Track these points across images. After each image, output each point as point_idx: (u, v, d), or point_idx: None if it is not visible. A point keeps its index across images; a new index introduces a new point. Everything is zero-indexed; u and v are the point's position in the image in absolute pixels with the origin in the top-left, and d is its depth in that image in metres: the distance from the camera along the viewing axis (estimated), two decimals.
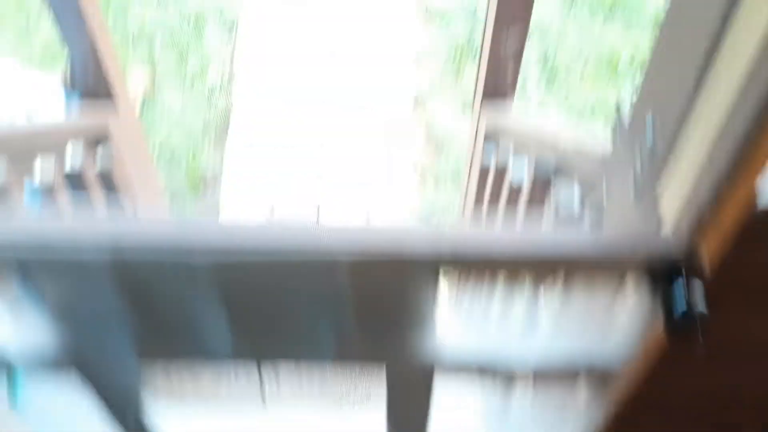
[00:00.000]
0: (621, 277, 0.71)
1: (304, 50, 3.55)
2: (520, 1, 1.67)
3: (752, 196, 0.60)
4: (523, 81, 3.38)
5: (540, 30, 3.62)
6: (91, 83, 1.66)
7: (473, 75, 1.96)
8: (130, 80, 3.20)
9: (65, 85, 1.73)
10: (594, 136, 1.09)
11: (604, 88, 3.34)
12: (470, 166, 2.11)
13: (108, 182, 1.72)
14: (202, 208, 2.90)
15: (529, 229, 0.72)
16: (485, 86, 1.84)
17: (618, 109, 0.85)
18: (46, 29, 3.38)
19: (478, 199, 1.97)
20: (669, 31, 0.67)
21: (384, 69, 3.48)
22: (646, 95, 0.73)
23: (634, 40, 3.54)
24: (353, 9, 3.77)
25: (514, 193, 1.48)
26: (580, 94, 3.35)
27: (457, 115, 3.25)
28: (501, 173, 1.67)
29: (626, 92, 3.32)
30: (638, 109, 0.75)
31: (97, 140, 1.71)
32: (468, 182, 2.16)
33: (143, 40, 3.55)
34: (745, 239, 0.62)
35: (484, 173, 1.87)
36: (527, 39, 3.29)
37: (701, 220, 0.63)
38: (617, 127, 0.83)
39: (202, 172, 3.02)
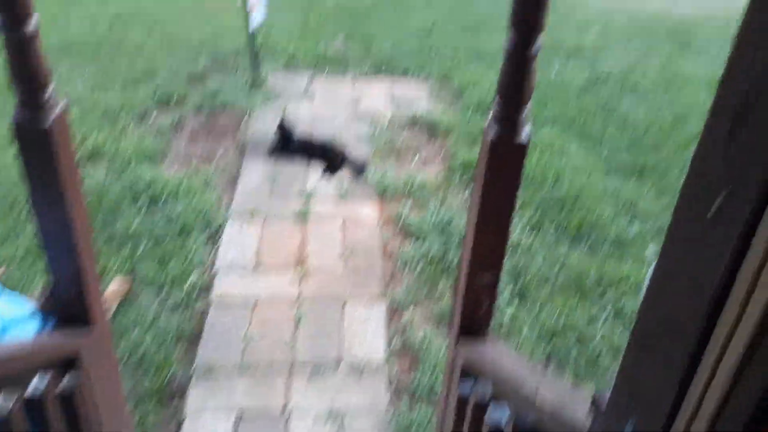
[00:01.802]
0: None
1: (276, 262, 3.67)
2: (493, 246, 1.79)
3: None
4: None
5: (511, 245, 3.82)
6: (69, 309, 1.68)
7: (450, 302, 2.03)
8: (110, 286, 3.24)
9: (41, 308, 1.75)
10: (575, 396, 1.10)
11: (573, 308, 3.43)
12: (447, 395, 2.10)
13: (71, 411, 1.67)
14: (166, 418, 2.78)
15: None
16: (461, 322, 1.90)
17: (595, 399, 0.87)
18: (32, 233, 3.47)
19: (457, 427, 1.93)
20: (645, 332, 0.70)
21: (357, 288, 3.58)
22: (625, 390, 0.75)
23: (599, 263, 3.73)
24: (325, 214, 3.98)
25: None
26: (551, 311, 3.43)
27: (432, 328, 3.29)
28: (479, 411, 1.65)
29: (605, 383, 3.42)
30: (618, 401, 0.76)
31: (65, 366, 1.69)
32: (445, 410, 2.13)
33: (128, 242, 3.66)
34: None
35: (461, 406, 1.85)
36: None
37: None
38: (595, 414, 0.85)
39: (171, 378, 2.94)
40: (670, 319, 0.64)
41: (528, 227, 4.01)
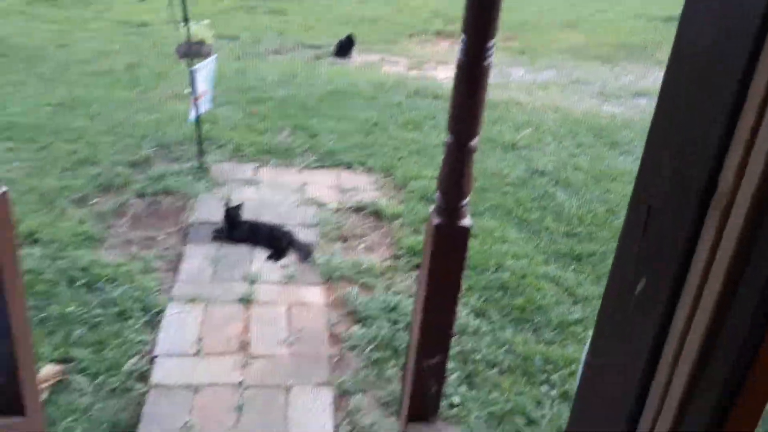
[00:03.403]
0: None
1: (218, 348, 3.56)
2: (440, 328, 1.83)
3: None
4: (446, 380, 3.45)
5: (458, 330, 3.83)
6: (4, 402, 1.58)
7: (398, 386, 2.02)
8: (41, 372, 3.05)
9: None
10: None
11: (520, 391, 3.43)
12: None
13: None
14: None
15: None
16: (410, 406, 1.90)
17: None
18: None
19: None
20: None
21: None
22: None
23: (543, 346, 3.78)
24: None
25: None
26: (499, 395, 3.42)
27: (381, 413, 3.21)
28: None
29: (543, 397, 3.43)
30: None
31: None
32: None
33: (62, 327, 3.48)
34: None
35: None
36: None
37: None
38: None
39: None
40: (604, 396, 0.67)
41: (473, 312, 4.05)
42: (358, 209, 5.15)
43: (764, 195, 0.47)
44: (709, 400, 0.50)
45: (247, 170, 5.59)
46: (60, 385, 3.10)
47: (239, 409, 3.14)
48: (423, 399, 1.87)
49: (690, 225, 0.52)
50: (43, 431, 1.90)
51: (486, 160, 6.31)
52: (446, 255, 1.71)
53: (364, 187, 5.55)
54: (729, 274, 0.50)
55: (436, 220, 1.64)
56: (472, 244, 4.79)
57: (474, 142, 1.50)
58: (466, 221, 1.64)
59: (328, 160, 5.96)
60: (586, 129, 7.58)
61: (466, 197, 1.60)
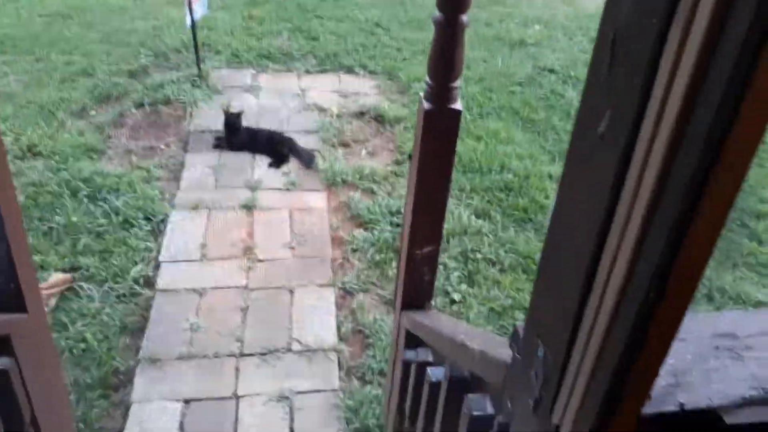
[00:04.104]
0: None
1: (222, 253, 3.61)
2: (430, 228, 1.82)
3: (635, 410, 0.65)
4: (446, 278, 3.51)
5: (460, 230, 3.85)
6: (6, 300, 1.61)
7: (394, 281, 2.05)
8: (49, 280, 3.13)
9: None
10: (500, 341, 1.12)
11: (520, 288, 3.48)
12: (394, 363, 2.12)
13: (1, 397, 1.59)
14: (112, 407, 2.69)
15: None
16: (403, 298, 1.93)
17: (515, 330, 0.90)
18: None
19: (402, 392, 1.95)
20: (548, 265, 0.74)
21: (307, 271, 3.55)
22: (535, 321, 0.78)
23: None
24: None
25: (434, 389, 1.47)
26: (499, 291, 3.47)
27: (383, 312, 3.28)
28: (422, 370, 1.67)
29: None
30: (530, 331, 0.79)
31: None
32: (392, 377, 2.15)
33: (68, 237, 3.54)
34: None
35: (406, 368, 1.88)
36: (448, 240, 3.47)
37: (592, 428, 0.65)
38: (515, 345, 0.88)
39: (116, 368, 2.85)
40: (570, 235, 0.68)
41: (475, 213, 4.05)
42: (360, 114, 5.06)
43: (721, 12, 0.45)
44: (668, 220, 0.52)
45: (246, 76, 5.48)
46: (69, 293, 3.18)
47: (244, 309, 3.23)
48: (416, 287, 1.90)
49: (652, 47, 0.51)
50: (47, 328, 1.96)
51: (492, 60, 6.12)
52: (437, 140, 1.68)
53: (366, 90, 5.44)
54: (687, 94, 0.49)
55: (426, 106, 1.60)
56: (477, 145, 4.73)
57: (464, 18, 1.43)
58: (457, 105, 1.60)
59: (328, 64, 5.81)
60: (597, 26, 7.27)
61: (456, 79, 1.56)
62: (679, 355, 0.84)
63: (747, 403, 0.77)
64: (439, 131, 1.65)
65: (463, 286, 3.48)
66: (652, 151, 0.53)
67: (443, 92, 1.56)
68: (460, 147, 4.65)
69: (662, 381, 0.80)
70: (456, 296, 3.41)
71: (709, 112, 0.48)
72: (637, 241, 0.56)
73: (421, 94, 1.63)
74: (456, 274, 3.55)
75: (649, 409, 0.75)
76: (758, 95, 0.47)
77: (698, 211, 0.52)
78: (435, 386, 1.42)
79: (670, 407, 0.75)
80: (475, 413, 1.03)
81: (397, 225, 3.89)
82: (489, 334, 1.31)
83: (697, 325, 0.89)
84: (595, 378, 0.65)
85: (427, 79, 1.58)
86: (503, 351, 1.05)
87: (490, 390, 1.12)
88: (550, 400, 0.71)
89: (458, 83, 1.59)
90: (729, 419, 0.75)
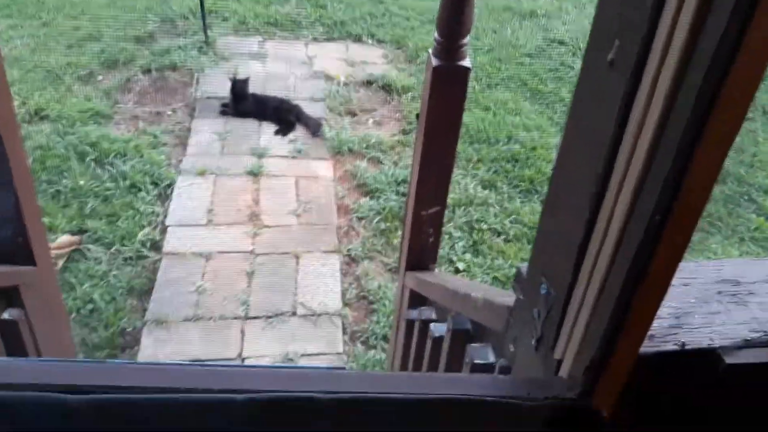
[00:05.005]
0: (522, 424, 0.71)
1: (228, 218, 3.62)
2: (436, 188, 1.82)
3: (635, 346, 0.65)
4: (451, 247, 3.52)
5: (465, 201, 3.85)
6: (8, 248, 1.62)
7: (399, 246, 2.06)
8: (58, 241, 3.15)
9: None
10: (503, 292, 1.13)
11: (525, 258, 3.49)
12: (397, 323, 2.14)
13: (9, 346, 1.62)
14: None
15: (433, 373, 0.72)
16: (408, 259, 1.94)
17: (518, 270, 0.90)
18: None
19: (406, 350, 1.97)
20: (553, 200, 0.74)
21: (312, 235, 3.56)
22: (539, 259, 0.79)
23: None
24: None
25: (437, 345, 1.48)
26: (503, 261, 3.48)
27: (387, 278, 3.30)
28: (425, 327, 1.69)
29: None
30: (533, 269, 0.80)
31: (5, 302, 1.64)
32: (396, 338, 2.17)
33: (75, 200, 3.56)
34: (632, 381, 0.65)
35: (409, 327, 1.89)
36: (454, 210, 3.47)
37: (593, 367, 0.66)
38: (518, 286, 0.88)
39: (123, 329, 2.89)
40: (576, 167, 0.68)
41: (482, 183, 4.05)
42: (368, 83, 5.03)
43: None
44: (673, 148, 0.53)
45: (252, 43, 5.44)
46: (77, 254, 3.21)
47: (250, 274, 3.25)
48: (421, 249, 1.91)
49: None
50: (55, 281, 1.98)
51: (502, 30, 6.06)
52: (445, 98, 1.67)
53: (373, 59, 5.40)
54: (693, 23, 0.50)
55: (434, 62, 1.59)
56: (485, 116, 4.70)
57: None
58: (466, 62, 1.59)
59: (336, 32, 5.76)
60: None
61: (465, 36, 1.54)
62: (682, 299, 0.84)
63: (748, 344, 0.78)
64: (447, 89, 1.64)
65: (468, 256, 3.49)
66: (660, 77, 0.53)
67: (452, 48, 1.55)
68: (467, 117, 4.63)
69: (664, 323, 0.81)
70: (461, 265, 3.42)
71: (713, 38, 0.48)
72: (643, 169, 0.56)
73: (430, 50, 1.62)
74: (461, 243, 3.56)
75: (650, 347, 0.76)
76: (763, 22, 0.47)
77: (704, 137, 0.52)
78: (438, 341, 1.43)
79: (671, 346, 0.76)
80: (477, 361, 1.04)
81: (403, 194, 3.89)
82: (492, 287, 1.32)
83: (701, 272, 0.89)
84: (597, 312, 0.66)
85: (436, 35, 1.57)
86: (506, 298, 1.05)
87: (492, 339, 1.13)
88: (552, 337, 0.72)
89: (467, 40, 1.58)
90: (729, 359, 0.76)
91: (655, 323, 0.82)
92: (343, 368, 2.78)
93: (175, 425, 0.62)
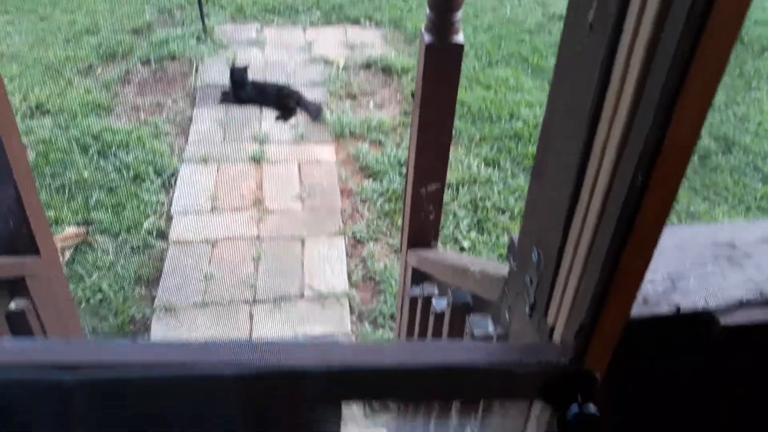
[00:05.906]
0: (516, 389, 0.72)
1: (232, 204, 3.64)
2: (434, 165, 1.82)
3: (625, 308, 0.66)
4: (456, 226, 3.52)
5: (469, 179, 3.85)
6: (12, 238, 1.64)
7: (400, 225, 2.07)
8: (64, 233, 3.18)
9: None
10: (499, 265, 1.13)
11: None
12: (402, 301, 2.15)
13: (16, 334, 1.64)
14: None
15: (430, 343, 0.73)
16: (409, 237, 1.94)
17: (511, 240, 0.91)
18: None
19: (410, 327, 1.99)
20: (541, 167, 0.74)
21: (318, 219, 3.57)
22: (529, 226, 0.79)
23: None
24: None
25: (439, 320, 1.50)
26: (508, 239, 3.48)
27: (393, 259, 3.31)
28: (427, 302, 1.70)
29: None
30: (525, 237, 0.80)
31: (11, 292, 1.66)
32: (401, 315, 2.19)
33: (80, 193, 3.58)
34: (622, 345, 0.66)
35: (413, 304, 1.91)
36: (458, 189, 3.47)
37: (584, 330, 0.66)
38: (512, 254, 0.89)
39: (132, 316, 2.92)
40: (561, 131, 0.69)
41: (485, 162, 4.04)
42: (367, 65, 5.01)
43: None
44: (654, 99, 0.53)
45: (251, 30, 5.42)
46: (84, 246, 3.23)
47: (256, 259, 3.27)
48: (422, 226, 1.91)
49: None
50: (61, 270, 2.00)
51: (501, 7, 6.01)
52: (440, 75, 1.67)
53: (372, 42, 5.37)
54: None
55: (427, 39, 1.58)
56: (486, 94, 4.68)
57: None
58: (459, 38, 1.58)
59: (334, 16, 5.73)
60: None
61: (457, 10, 1.54)
62: (677, 263, 0.85)
63: (743, 305, 0.78)
64: (441, 65, 1.63)
65: (473, 234, 3.49)
66: (638, 37, 0.54)
67: (444, 23, 1.55)
68: (469, 96, 4.61)
69: (659, 287, 0.81)
70: (465, 243, 3.43)
71: None
72: (624, 129, 0.57)
73: (422, 27, 1.61)
74: (465, 221, 3.56)
75: (644, 311, 0.77)
76: None
77: (682, 95, 0.52)
78: (440, 316, 1.44)
79: (666, 310, 0.77)
80: (476, 331, 1.05)
81: (406, 175, 3.88)
82: (490, 261, 1.33)
83: (696, 236, 0.89)
84: (586, 276, 0.66)
85: (428, 11, 1.56)
86: (502, 270, 1.06)
87: (491, 310, 1.14)
88: (545, 303, 0.73)
89: (459, 15, 1.57)
90: (724, 320, 0.76)
91: (650, 287, 0.83)
92: (334, 339, 2.81)
93: (164, 401, 0.64)
